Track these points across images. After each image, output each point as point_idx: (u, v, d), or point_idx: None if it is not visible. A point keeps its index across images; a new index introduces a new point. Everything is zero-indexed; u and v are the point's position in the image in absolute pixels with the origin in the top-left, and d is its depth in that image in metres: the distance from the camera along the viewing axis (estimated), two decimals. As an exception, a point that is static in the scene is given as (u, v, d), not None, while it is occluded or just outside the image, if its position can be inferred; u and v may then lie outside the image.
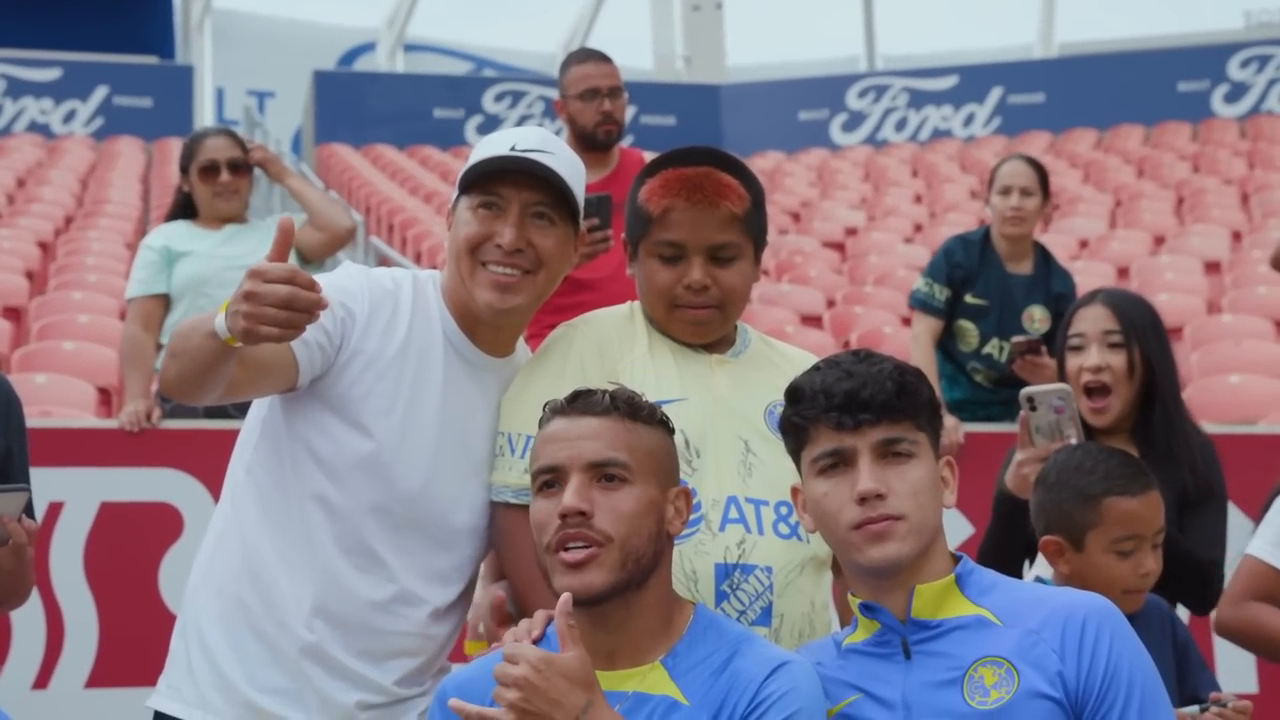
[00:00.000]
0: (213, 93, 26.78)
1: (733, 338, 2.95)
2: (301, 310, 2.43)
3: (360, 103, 22.11)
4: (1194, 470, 3.48)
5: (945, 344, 6.11)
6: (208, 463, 4.95)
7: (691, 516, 2.62)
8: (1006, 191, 6.01)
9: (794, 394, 2.54)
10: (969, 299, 6.03)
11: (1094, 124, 21.61)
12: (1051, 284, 6.03)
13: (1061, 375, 3.66)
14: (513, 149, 2.80)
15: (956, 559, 2.52)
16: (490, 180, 2.79)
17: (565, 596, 2.35)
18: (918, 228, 15.37)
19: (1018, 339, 5.53)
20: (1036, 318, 5.97)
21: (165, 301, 5.69)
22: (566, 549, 2.43)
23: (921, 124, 22.89)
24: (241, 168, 5.81)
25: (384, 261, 13.20)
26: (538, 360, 2.91)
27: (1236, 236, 13.78)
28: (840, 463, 2.46)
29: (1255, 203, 15.27)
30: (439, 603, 2.85)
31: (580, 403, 2.51)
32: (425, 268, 12.53)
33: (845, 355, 2.55)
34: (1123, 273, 12.34)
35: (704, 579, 2.70)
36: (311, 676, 2.74)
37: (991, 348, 6.03)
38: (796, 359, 2.93)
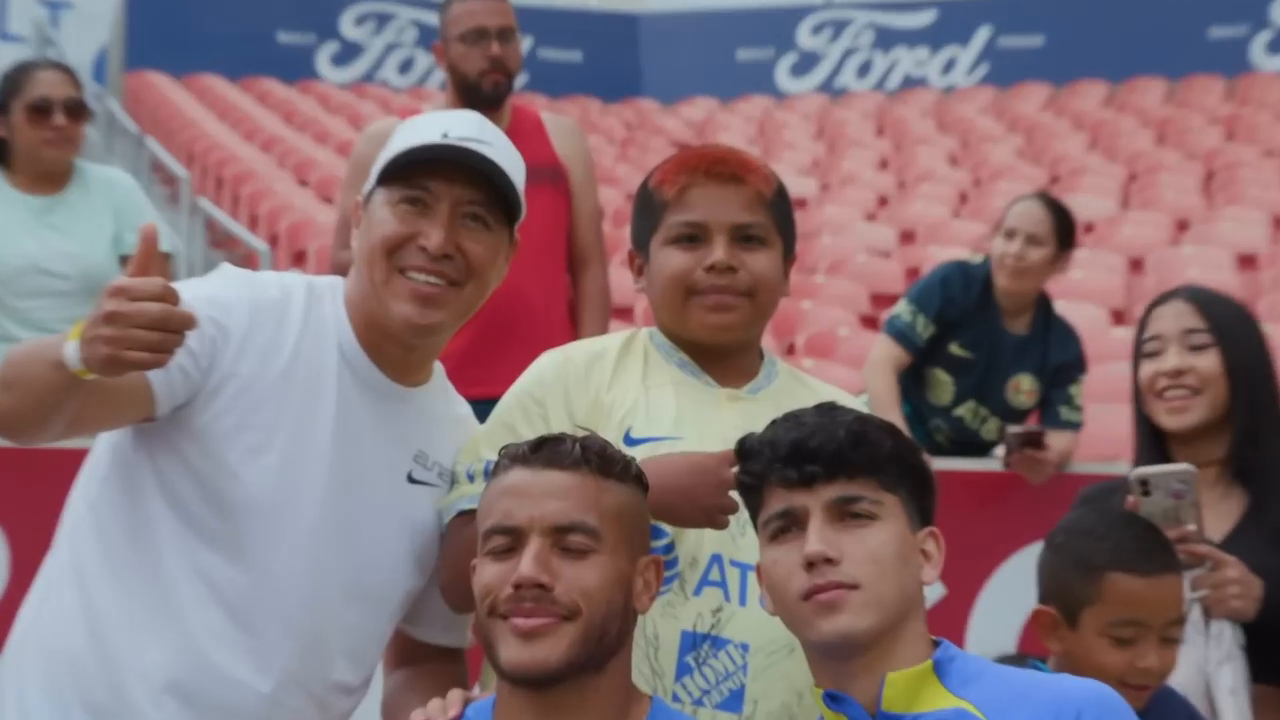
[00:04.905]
0: (-7, 0, 26.48)
1: (755, 369, 3.04)
2: (174, 331, 2.47)
3: (184, 21, 21.90)
4: None
5: (908, 387, 6.13)
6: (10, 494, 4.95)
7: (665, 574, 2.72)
8: (1011, 235, 6.02)
9: (742, 449, 2.67)
10: (954, 348, 6.09)
11: (1104, 76, 21.72)
12: (1049, 350, 6.09)
13: (1135, 393, 3.63)
14: (445, 136, 2.87)
15: (936, 644, 2.63)
16: (417, 172, 2.85)
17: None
18: (883, 201, 15.47)
19: (1014, 429, 5.53)
20: (1023, 389, 6.06)
21: None
22: (520, 615, 2.51)
23: (890, 70, 23.02)
24: (79, 111, 5.72)
25: (212, 227, 13.07)
26: (515, 392, 3.01)
27: (1277, 223, 13.88)
28: (791, 525, 2.58)
29: (1302, 180, 15.39)
30: (320, 685, 2.90)
31: (546, 452, 2.59)
32: (261, 236, 12.42)
33: (808, 409, 2.66)
34: (1135, 265, 12.46)
35: (666, 647, 2.80)
36: None
37: (965, 410, 6.11)
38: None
